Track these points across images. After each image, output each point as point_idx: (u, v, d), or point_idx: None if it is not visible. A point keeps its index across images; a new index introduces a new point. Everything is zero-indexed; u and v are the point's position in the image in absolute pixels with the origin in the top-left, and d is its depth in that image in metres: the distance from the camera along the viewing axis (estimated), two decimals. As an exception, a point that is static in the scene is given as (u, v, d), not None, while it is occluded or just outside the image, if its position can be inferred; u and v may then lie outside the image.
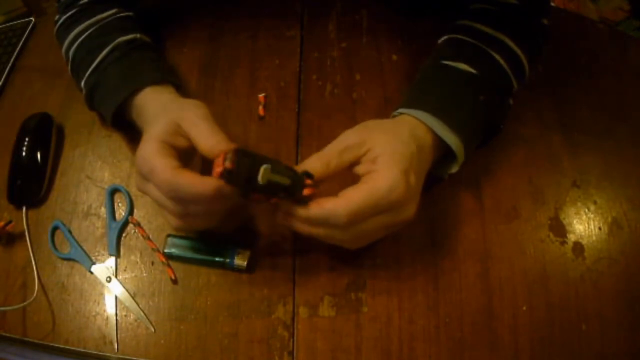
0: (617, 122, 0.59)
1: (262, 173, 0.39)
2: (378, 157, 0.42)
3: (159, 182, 0.42)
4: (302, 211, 0.42)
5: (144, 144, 0.44)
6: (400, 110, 0.48)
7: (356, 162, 0.44)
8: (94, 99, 0.55)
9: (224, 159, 0.39)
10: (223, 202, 0.42)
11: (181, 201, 0.42)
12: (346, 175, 0.44)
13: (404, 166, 0.42)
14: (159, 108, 0.49)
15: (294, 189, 0.41)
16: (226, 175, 0.39)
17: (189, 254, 0.50)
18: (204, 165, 0.49)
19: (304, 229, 0.43)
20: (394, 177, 0.41)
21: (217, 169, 0.39)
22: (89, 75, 0.54)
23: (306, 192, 0.41)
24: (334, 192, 0.42)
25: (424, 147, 0.46)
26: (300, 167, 0.43)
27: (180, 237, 0.51)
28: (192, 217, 0.44)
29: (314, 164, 0.43)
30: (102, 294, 0.50)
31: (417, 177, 0.44)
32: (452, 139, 0.47)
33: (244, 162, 0.39)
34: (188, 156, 0.46)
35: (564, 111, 0.59)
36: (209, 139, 0.43)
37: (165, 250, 0.51)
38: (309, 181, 0.42)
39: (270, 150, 0.57)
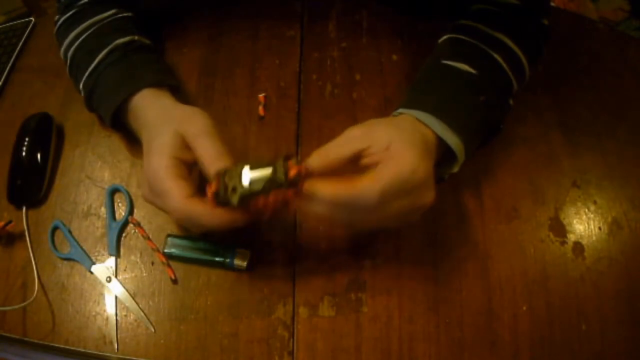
0: (617, 122, 0.59)
1: (243, 175, 0.39)
2: (391, 145, 0.41)
3: (171, 208, 0.42)
4: (329, 192, 0.39)
5: (154, 158, 0.44)
6: (401, 110, 0.48)
7: (359, 156, 0.43)
8: (93, 100, 0.55)
9: (211, 184, 0.42)
10: (233, 227, 0.43)
11: (193, 226, 0.44)
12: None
13: (419, 150, 0.42)
14: (159, 114, 0.49)
15: (279, 174, 0.39)
16: (216, 198, 0.41)
17: (189, 254, 0.50)
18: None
19: (326, 213, 0.41)
20: (414, 158, 0.40)
21: (209, 195, 0.41)
22: (87, 77, 0.54)
23: (292, 172, 0.39)
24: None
25: (427, 142, 0.46)
26: (302, 163, 0.42)
27: (180, 237, 0.51)
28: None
29: (313, 159, 0.42)
30: (102, 294, 0.50)
31: (430, 165, 0.43)
32: (452, 139, 0.47)
33: (225, 177, 0.41)
34: (194, 167, 0.46)
35: (564, 111, 0.59)
36: (214, 163, 0.43)
37: (165, 250, 0.51)
38: (290, 162, 0.40)
39: (270, 150, 0.57)
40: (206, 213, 0.41)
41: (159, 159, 0.43)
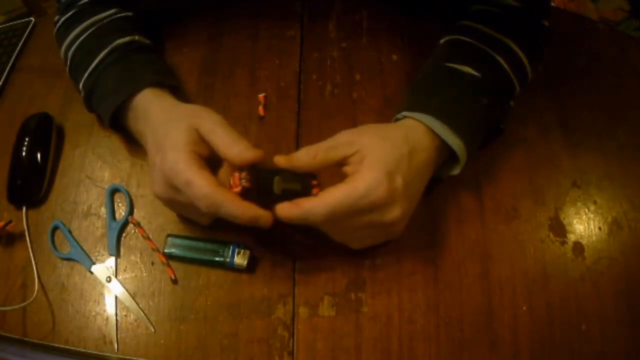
0: (617, 122, 0.59)
1: (276, 184, 0.43)
2: (365, 159, 0.43)
3: (199, 196, 0.42)
4: (281, 213, 0.42)
5: (171, 153, 0.44)
6: (404, 113, 0.48)
7: (344, 162, 0.44)
8: (92, 100, 0.55)
9: (240, 179, 0.43)
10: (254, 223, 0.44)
11: (217, 214, 0.43)
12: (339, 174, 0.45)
13: (389, 168, 0.42)
14: (163, 112, 0.49)
15: (305, 190, 0.44)
16: (245, 193, 0.43)
17: (189, 254, 0.50)
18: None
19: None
20: (374, 178, 0.42)
21: (235, 188, 0.43)
22: (87, 77, 0.54)
23: (315, 191, 0.45)
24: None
25: (419, 150, 0.45)
26: (289, 159, 0.44)
27: (180, 237, 0.51)
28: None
29: (301, 155, 0.44)
30: (102, 294, 0.50)
31: (407, 180, 0.43)
32: (455, 142, 0.47)
33: (258, 179, 0.43)
34: (211, 162, 0.46)
35: (564, 111, 0.59)
36: (231, 147, 0.43)
37: (165, 250, 0.51)
38: (314, 182, 0.45)
39: (270, 150, 0.56)
40: (236, 202, 0.42)
41: (177, 153, 0.43)
